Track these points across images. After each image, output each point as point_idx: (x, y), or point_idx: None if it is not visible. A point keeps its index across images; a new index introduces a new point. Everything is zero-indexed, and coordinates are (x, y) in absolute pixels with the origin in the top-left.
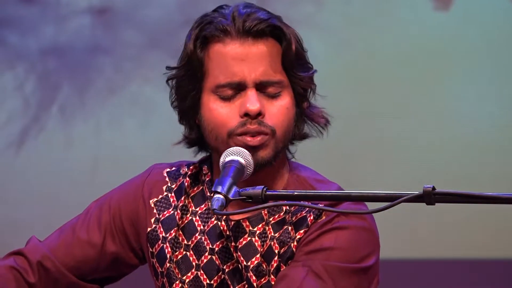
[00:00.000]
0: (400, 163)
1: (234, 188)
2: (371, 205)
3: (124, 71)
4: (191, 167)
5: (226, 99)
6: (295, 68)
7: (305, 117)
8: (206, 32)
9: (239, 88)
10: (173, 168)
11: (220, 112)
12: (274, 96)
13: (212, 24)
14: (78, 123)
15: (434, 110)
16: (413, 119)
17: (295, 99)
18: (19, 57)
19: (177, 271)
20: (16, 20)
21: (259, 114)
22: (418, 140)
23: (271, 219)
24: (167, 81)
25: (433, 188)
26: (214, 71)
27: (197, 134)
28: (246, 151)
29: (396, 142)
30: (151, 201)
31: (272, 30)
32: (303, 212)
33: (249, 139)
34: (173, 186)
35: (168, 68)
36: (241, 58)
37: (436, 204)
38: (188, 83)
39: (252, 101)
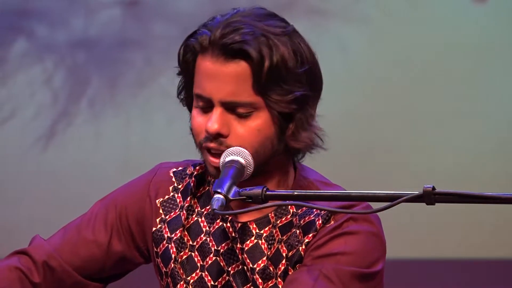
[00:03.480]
0: (400, 163)
1: (234, 188)
2: (371, 205)
3: (155, 64)
4: (197, 167)
5: (202, 109)
6: (270, 91)
7: (286, 142)
8: (189, 42)
9: (209, 103)
10: (180, 168)
11: (196, 121)
12: (244, 116)
13: (195, 36)
14: (108, 117)
15: (436, 109)
16: (418, 119)
17: (277, 119)
18: (48, 50)
19: (181, 271)
20: (45, 12)
21: (219, 135)
22: (418, 140)
23: (278, 222)
24: (178, 74)
25: (433, 188)
26: (196, 80)
27: None
28: (246, 151)
29: (396, 142)
30: (157, 201)
31: (244, 52)
32: (311, 216)
33: (211, 159)
34: (180, 187)
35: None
36: (211, 76)
37: (436, 204)
38: (185, 83)
39: (212, 121)
